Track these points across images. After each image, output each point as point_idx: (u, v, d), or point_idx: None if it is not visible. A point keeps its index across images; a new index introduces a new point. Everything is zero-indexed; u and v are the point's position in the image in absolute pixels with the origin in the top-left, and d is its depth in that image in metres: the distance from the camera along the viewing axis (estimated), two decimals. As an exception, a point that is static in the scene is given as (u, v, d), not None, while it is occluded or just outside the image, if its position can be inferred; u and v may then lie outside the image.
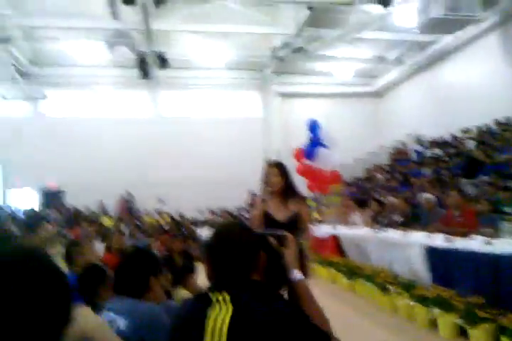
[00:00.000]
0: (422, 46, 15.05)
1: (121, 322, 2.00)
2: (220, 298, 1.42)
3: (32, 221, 5.44)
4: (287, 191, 3.56)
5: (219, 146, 17.18)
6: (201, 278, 5.02)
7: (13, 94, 14.87)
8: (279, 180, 3.53)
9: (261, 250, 1.57)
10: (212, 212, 15.84)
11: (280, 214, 3.53)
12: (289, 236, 1.71)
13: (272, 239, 1.67)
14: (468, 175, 9.48)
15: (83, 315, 1.55)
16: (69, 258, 3.42)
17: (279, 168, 3.60)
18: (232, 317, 1.37)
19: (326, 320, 1.58)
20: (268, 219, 3.55)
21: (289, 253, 1.67)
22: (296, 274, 1.64)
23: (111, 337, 1.55)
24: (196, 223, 14.66)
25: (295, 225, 3.43)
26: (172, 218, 15.47)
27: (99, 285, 2.65)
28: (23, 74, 15.42)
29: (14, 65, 15.10)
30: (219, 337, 1.36)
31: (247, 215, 14.42)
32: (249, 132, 17.67)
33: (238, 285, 1.46)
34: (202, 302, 1.46)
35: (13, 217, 13.21)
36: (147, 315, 2.06)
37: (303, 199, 3.78)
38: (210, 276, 1.54)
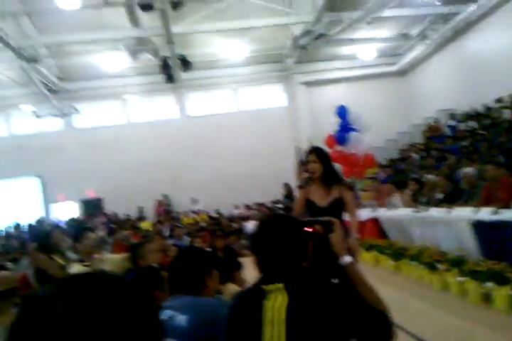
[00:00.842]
0: (445, 19, 14.64)
1: (182, 318, 2.00)
2: (274, 287, 1.43)
3: (76, 230, 5.62)
4: (328, 176, 3.52)
5: (248, 141, 17.21)
6: (246, 272, 5.13)
7: (45, 112, 15.36)
8: (318, 166, 3.50)
9: (309, 238, 1.58)
10: (248, 207, 15.96)
11: (322, 200, 3.50)
12: (335, 221, 1.71)
13: (318, 226, 1.67)
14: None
15: None
16: (133, 260, 3.53)
17: (317, 153, 3.57)
18: (288, 305, 1.39)
19: (381, 300, 1.58)
20: (310, 206, 3.53)
21: (336, 239, 1.67)
22: (346, 258, 1.64)
23: None
24: (233, 219, 14.84)
25: (337, 210, 3.40)
26: (209, 216, 15.71)
27: (154, 287, 2.62)
28: (53, 91, 15.90)
29: (44, 82, 15.61)
30: (278, 325, 1.38)
31: (281, 207, 14.45)
32: (276, 124, 17.62)
33: (291, 275, 1.47)
34: (255, 294, 1.48)
35: (58, 228, 13.66)
36: (209, 309, 2.07)
37: (347, 185, 3.72)
38: (260, 268, 1.55)
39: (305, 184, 3.58)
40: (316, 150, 3.66)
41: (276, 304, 1.41)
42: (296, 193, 3.83)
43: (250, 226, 11.84)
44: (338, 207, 3.47)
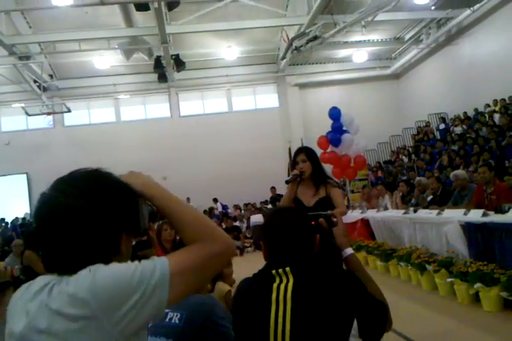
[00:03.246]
0: (438, 23, 14.78)
1: (175, 316, 2.00)
2: (281, 270, 1.52)
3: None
4: (317, 176, 3.51)
5: (240, 142, 17.23)
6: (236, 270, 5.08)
7: (35, 109, 15.27)
8: (307, 165, 3.48)
9: (316, 231, 1.68)
10: (237, 207, 15.91)
11: (309, 199, 3.47)
12: (337, 215, 1.83)
13: (321, 220, 1.77)
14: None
15: None
16: None
17: (306, 153, 3.55)
18: (294, 285, 1.49)
19: (380, 291, 1.67)
20: (298, 205, 3.49)
21: (339, 232, 1.79)
22: (348, 250, 1.75)
23: None
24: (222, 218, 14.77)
25: (323, 209, 3.37)
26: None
27: None
28: (44, 89, 15.79)
29: (35, 80, 15.49)
30: (284, 303, 1.46)
31: (270, 207, 14.39)
32: (268, 125, 17.65)
33: (297, 260, 1.55)
34: (263, 278, 1.57)
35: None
36: (203, 306, 2.06)
37: (332, 183, 3.63)
38: (270, 255, 1.64)
39: (293, 179, 3.54)
40: (305, 150, 3.64)
41: (282, 285, 1.50)
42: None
43: (255, 219, 12.37)
44: (324, 206, 3.42)
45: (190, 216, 1.10)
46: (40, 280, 1.04)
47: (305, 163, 3.50)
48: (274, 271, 1.53)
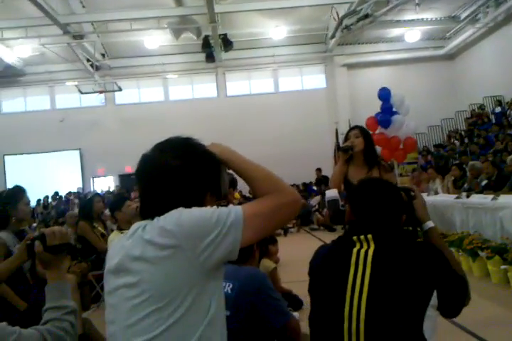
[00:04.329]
0: (498, 2, 14.00)
1: (228, 286, 2.04)
2: (362, 237, 1.56)
3: (115, 200, 5.82)
4: (369, 155, 3.37)
5: (285, 122, 17.12)
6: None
7: (88, 87, 15.70)
8: (360, 140, 3.36)
9: (404, 211, 1.69)
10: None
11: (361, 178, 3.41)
12: (415, 188, 1.83)
13: (401, 193, 1.77)
14: None
15: None
16: None
17: (360, 129, 3.48)
18: (375, 251, 1.52)
19: (460, 266, 1.67)
20: (347, 185, 3.40)
21: (419, 205, 1.78)
22: (428, 223, 1.76)
23: None
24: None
25: None
26: (242, 195, 15.71)
27: None
28: (97, 68, 16.18)
29: (88, 59, 15.89)
30: (363, 267, 1.49)
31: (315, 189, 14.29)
32: (315, 106, 17.46)
33: (380, 228, 1.58)
34: (343, 243, 1.62)
35: (99, 196, 14.03)
36: (255, 277, 2.11)
37: (386, 166, 3.52)
38: (353, 221, 1.70)
39: (345, 148, 3.36)
40: (359, 127, 3.56)
41: (363, 250, 1.53)
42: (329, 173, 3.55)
43: (330, 194, 12.25)
44: None
45: (262, 174, 1.28)
46: (136, 224, 1.23)
47: (358, 138, 3.38)
48: (355, 237, 1.56)
